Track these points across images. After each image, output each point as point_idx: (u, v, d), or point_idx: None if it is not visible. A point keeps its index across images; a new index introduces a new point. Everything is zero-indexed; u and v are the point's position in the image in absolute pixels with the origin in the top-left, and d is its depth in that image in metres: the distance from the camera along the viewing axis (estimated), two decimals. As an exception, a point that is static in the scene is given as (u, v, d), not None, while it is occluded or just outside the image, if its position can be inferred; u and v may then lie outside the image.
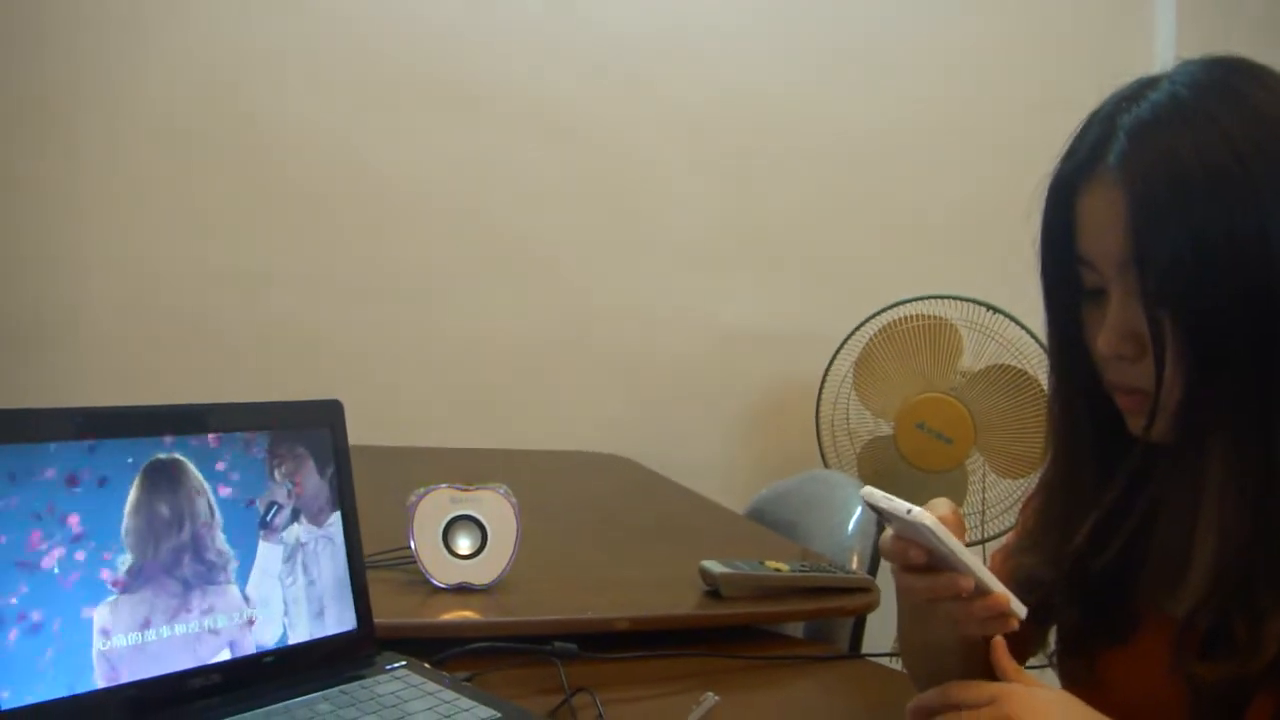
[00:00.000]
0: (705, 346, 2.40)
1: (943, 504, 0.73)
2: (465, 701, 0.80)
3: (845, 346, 2.22)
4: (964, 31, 2.58)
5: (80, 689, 0.68)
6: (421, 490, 1.08)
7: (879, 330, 2.16)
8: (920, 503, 0.70)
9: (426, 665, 0.87)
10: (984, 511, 2.18)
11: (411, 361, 2.18)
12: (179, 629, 0.74)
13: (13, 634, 0.65)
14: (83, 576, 0.69)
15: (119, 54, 1.95)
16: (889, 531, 0.75)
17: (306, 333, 2.09)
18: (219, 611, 0.77)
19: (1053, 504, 0.84)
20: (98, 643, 0.69)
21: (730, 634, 1.10)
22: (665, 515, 1.73)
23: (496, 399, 2.25)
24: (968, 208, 2.45)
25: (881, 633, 1.29)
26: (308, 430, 0.85)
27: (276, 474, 0.82)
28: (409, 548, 1.08)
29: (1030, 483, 1.81)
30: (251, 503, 0.80)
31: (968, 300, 2.15)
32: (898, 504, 0.70)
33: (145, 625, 0.72)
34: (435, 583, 1.07)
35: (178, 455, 0.76)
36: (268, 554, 0.81)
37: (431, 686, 0.82)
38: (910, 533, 0.71)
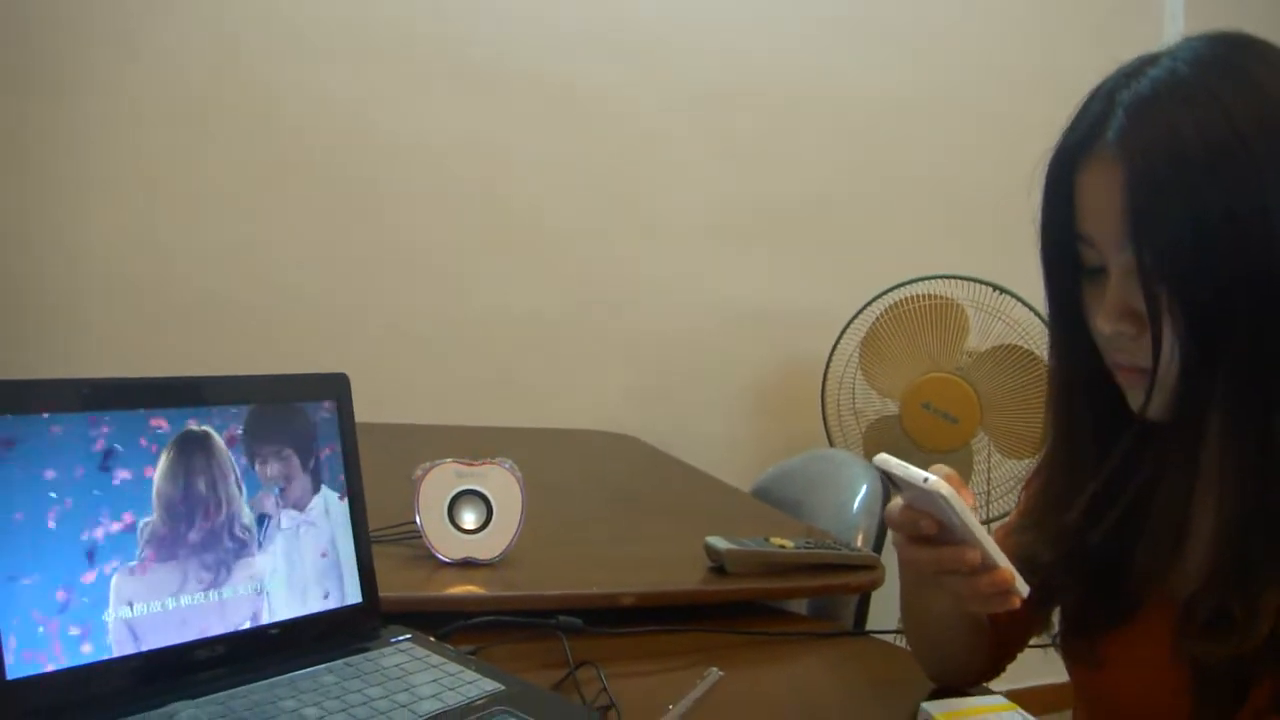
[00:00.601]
0: (712, 326, 2.40)
1: (944, 469, 0.73)
2: (469, 674, 0.80)
3: (852, 326, 2.22)
4: (974, 10, 2.56)
5: (89, 659, 0.68)
6: (427, 465, 1.09)
7: (885, 310, 2.16)
8: None
9: (431, 639, 0.88)
10: (989, 491, 2.18)
11: (418, 339, 2.17)
12: (185, 600, 0.74)
13: (26, 601, 0.66)
14: (98, 546, 0.70)
15: (126, 24, 1.94)
16: (897, 500, 0.75)
17: (313, 309, 2.09)
18: (227, 583, 0.77)
19: (1053, 484, 0.84)
20: (109, 612, 0.70)
21: (735, 610, 1.10)
22: (671, 493, 1.73)
23: (503, 377, 2.25)
24: (975, 188, 2.44)
25: (886, 610, 1.29)
26: (314, 403, 0.85)
27: (284, 448, 0.82)
28: (414, 522, 1.08)
29: (1035, 463, 1.81)
30: (263, 475, 0.80)
31: (974, 280, 2.14)
32: (914, 472, 0.69)
33: (157, 596, 0.72)
34: (440, 557, 1.08)
35: (207, 428, 0.77)
36: (275, 526, 0.81)
37: (436, 659, 0.83)
38: (923, 502, 0.71)
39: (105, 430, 0.71)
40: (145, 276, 1.99)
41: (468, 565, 1.08)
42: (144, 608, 0.72)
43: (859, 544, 1.39)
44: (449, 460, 1.09)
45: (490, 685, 0.79)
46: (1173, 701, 0.74)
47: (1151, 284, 0.68)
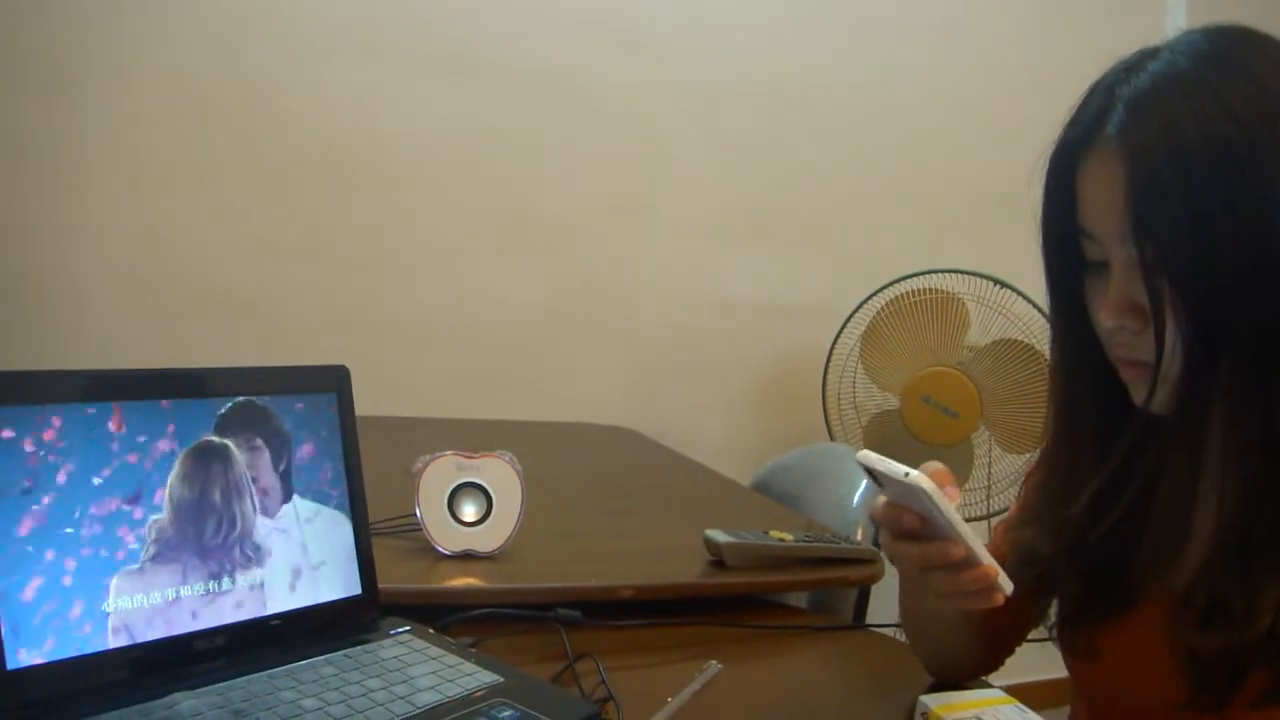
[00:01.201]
0: (712, 319, 2.40)
1: (933, 465, 0.72)
2: (469, 666, 0.81)
3: (852, 320, 2.22)
4: (974, 8, 2.56)
5: (89, 649, 0.69)
6: (427, 457, 1.09)
7: (886, 304, 2.16)
8: None
9: (430, 631, 0.88)
10: (989, 486, 2.18)
11: (419, 332, 2.17)
12: (185, 591, 0.74)
13: (28, 593, 0.66)
14: (102, 537, 0.70)
15: (127, 17, 1.94)
16: (881, 497, 0.75)
17: (314, 303, 2.08)
18: (228, 574, 0.77)
19: (1053, 478, 0.84)
20: (110, 603, 0.70)
21: (734, 603, 1.10)
22: (670, 486, 1.73)
23: (504, 370, 2.25)
24: (976, 182, 2.44)
25: (885, 604, 1.29)
26: (314, 395, 0.85)
27: (284, 439, 0.83)
28: (414, 515, 1.08)
29: (1036, 457, 1.81)
30: (263, 467, 0.81)
31: (975, 274, 2.14)
32: (895, 467, 0.69)
33: (157, 587, 0.73)
34: (440, 549, 1.08)
35: (210, 418, 0.77)
36: (275, 517, 0.81)
37: (435, 651, 0.83)
38: (906, 497, 0.71)
39: (107, 421, 0.71)
40: (146, 271, 1.98)
41: (467, 558, 1.08)
42: (144, 599, 0.72)
43: (858, 537, 1.39)
44: (449, 453, 1.09)
45: (489, 677, 0.79)
46: (1169, 693, 0.74)
47: (1154, 278, 0.68)
